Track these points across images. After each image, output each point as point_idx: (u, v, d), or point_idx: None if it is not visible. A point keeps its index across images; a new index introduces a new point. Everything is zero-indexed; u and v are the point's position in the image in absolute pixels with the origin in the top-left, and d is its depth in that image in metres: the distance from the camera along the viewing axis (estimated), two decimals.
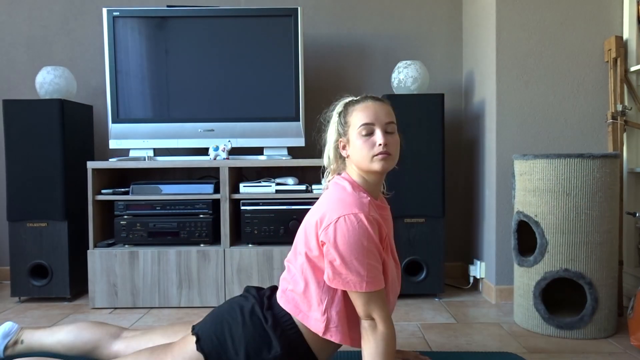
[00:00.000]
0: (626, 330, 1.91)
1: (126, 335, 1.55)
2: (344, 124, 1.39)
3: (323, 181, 1.48)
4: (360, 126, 1.34)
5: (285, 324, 1.35)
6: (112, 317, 2.20)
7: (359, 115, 1.36)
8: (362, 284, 1.25)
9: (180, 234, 2.38)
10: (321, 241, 1.29)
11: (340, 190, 1.35)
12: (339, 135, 1.40)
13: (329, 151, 1.44)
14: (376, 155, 1.34)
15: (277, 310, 1.36)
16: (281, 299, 1.38)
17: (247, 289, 1.47)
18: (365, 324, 1.29)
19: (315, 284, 1.33)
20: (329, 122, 1.45)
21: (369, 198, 1.34)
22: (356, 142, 1.35)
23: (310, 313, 1.33)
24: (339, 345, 1.40)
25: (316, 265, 1.33)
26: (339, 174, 1.43)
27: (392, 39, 2.88)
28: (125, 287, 2.34)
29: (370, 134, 1.35)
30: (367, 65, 2.88)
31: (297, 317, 1.34)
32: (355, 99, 1.42)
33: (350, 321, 1.34)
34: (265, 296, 1.41)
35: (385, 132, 1.35)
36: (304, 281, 1.34)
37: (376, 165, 1.34)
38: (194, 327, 1.39)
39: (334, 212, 1.28)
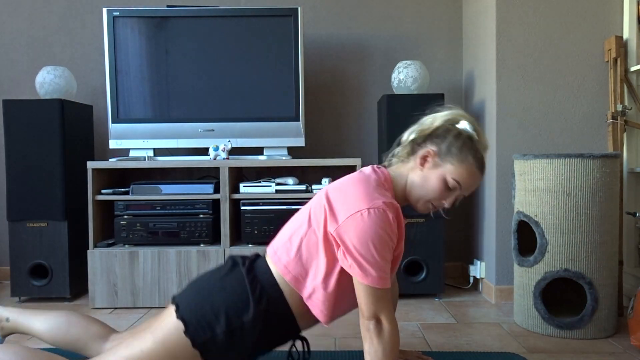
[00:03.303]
0: (626, 330, 1.91)
1: (114, 337, 1.51)
2: (450, 151, 1.33)
3: (387, 156, 1.45)
4: (454, 179, 1.33)
5: (267, 281, 1.33)
6: (112, 317, 2.20)
7: (464, 173, 1.33)
8: (378, 280, 1.24)
9: (180, 234, 2.38)
10: (338, 232, 1.26)
11: (374, 180, 1.33)
12: (439, 149, 1.34)
13: (411, 136, 1.39)
14: (433, 206, 1.36)
15: (260, 269, 1.35)
16: (273, 259, 1.36)
17: (230, 257, 1.45)
18: (369, 325, 1.26)
19: (318, 259, 1.31)
20: (438, 123, 1.37)
21: (397, 204, 1.32)
22: (435, 181, 1.34)
23: (300, 277, 1.32)
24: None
25: (323, 243, 1.31)
26: (388, 165, 1.41)
27: (392, 39, 2.88)
28: (125, 287, 2.34)
29: (451, 190, 1.34)
30: (367, 65, 2.88)
31: (285, 277, 1.32)
32: (480, 143, 1.36)
33: (337, 303, 1.32)
34: (249, 260, 1.39)
35: (456, 199, 1.36)
36: (306, 252, 1.32)
37: (421, 208, 1.37)
38: (173, 297, 1.37)
39: (362, 202, 1.26)
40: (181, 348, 1.30)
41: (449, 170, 1.33)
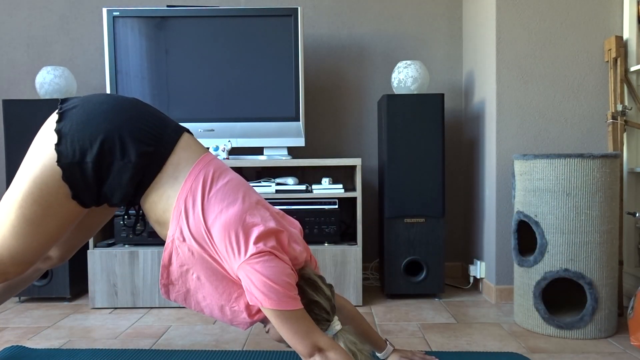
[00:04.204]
0: (626, 330, 1.91)
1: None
2: None
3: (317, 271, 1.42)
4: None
5: (163, 154, 1.32)
6: (112, 317, 2.20)
7: None
8: (293, 302, 1.22)
9: None
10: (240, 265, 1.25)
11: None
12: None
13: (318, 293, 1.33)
14: None
15: (170, 143, 1.34)
16: (195, 167, 1.32)
17: (134, 99, 1.41)
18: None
19: (212, 242, 1.28)
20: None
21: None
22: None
23: (187, 222, 1.28)
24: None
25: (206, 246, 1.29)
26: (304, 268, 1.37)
27: (392, 39, 2.88)
28: (125, 287, 2.34)
29: None
30: (367, 65, 2.88)
31: (179, 195, 1.29)
32: None
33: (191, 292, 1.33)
34: (174, 125, 1.38)
35: None
36: (218, 225, 1.27)
37: None
38: (61, 105, 1.35)
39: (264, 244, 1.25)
40: (50, 178, 1.29)
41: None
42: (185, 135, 1.40)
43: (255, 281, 1.21)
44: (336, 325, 1.33)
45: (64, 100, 1.36)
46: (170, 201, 1.31)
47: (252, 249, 1.23)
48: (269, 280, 1.20)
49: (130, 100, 1.38)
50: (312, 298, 1.31)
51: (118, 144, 1.29)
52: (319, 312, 1.31)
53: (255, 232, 1.25)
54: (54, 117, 1.33)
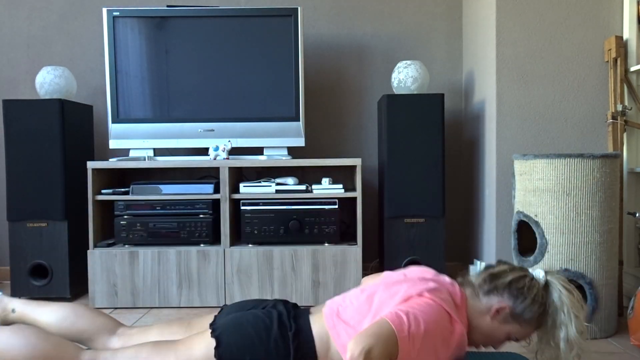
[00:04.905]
0: (626, 330, 1.91)
1: (123, 332, 1.52)
2: (523, 314, 1.33)
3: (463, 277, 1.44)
4: (516, 338, 1.36)
5: (308, 349, 1.34)
6: (112, 316, 2.20)
7: (527, 334, 1.36)
8: (406, 334, 1.18)
9: (180, 234, 2.38)
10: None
11: (455, 298, 1.34)
12: (514, 307, 1.33)
13: (495, 280, 1.36)
14: (483, 346, 1.40)
15: (304, 334, 1.35)
16: (328, 324, 1.36)
17: (279, 303, 1.45)
18: None
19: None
20: (524, 287, 1.33)
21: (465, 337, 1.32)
22: (501, 335, 1.36)
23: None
24: None
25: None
26: (464, 292, 1.38)
27: (392, 39, 2.88)
28: (125, 287, 2.34)
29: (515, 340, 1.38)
30: (367, 65, 2.88)
31: (334, 342, 1.34)
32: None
33: None
34: (294, 321, 1.39)
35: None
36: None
37: (471, 344, 1.38)
38: (213, 330, 1.35)
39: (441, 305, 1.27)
40: None
41: (516, 329, 1.35)
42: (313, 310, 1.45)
43: (411, 306, 1.23)
44: (537, 272, 1.36)
45: (212, 323, 1.38)
46: (329, 338, 1.34)
47: (428, 290, 1.29)
48: (423, 319, 1.20)
49: (273, 313, 1.40)
50: (505, 282, 1.34)
51: (274, 350, 1.31)
52: (519, 284, 1.33)
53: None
54: (212, 342, 1.33)
